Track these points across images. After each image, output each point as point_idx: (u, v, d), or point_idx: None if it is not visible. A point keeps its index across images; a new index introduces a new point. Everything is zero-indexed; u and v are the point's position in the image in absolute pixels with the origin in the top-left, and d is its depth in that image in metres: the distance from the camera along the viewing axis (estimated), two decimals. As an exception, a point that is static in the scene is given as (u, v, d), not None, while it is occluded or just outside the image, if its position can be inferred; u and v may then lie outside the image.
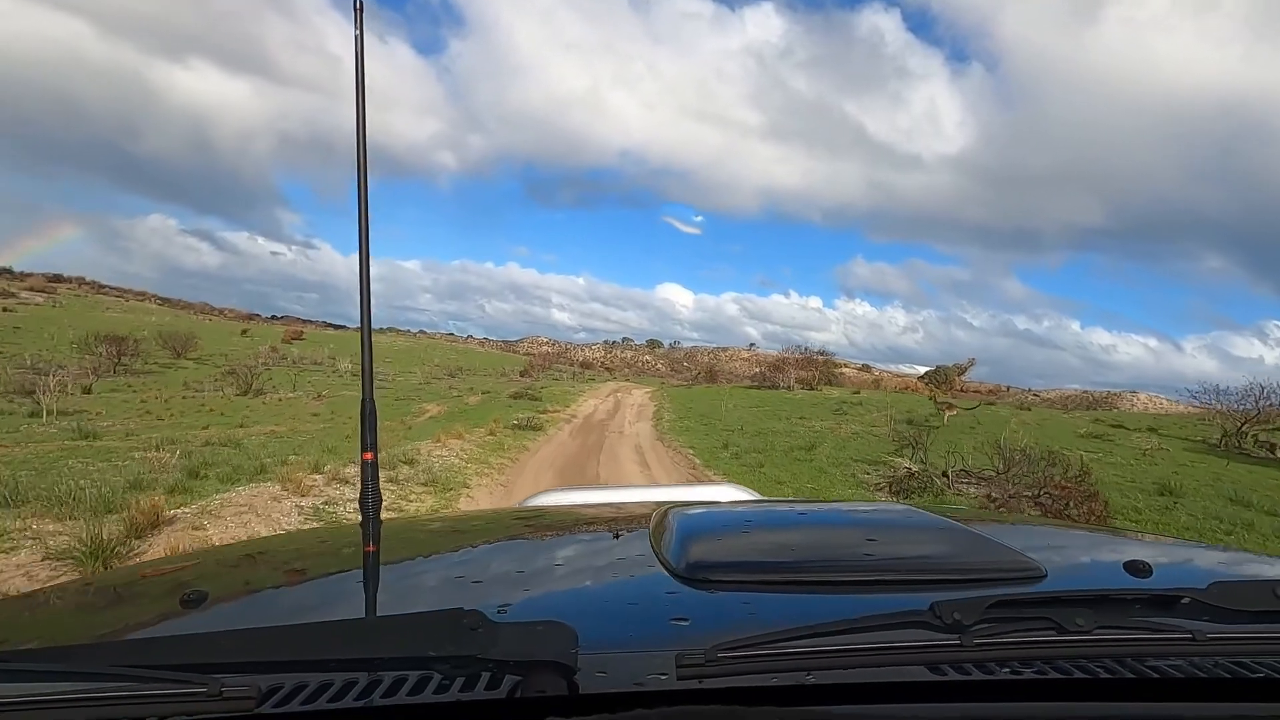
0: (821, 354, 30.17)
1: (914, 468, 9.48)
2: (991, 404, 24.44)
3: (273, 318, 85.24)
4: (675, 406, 22.39)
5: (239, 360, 41.83)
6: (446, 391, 26.82)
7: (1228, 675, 0.64)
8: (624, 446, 14.03)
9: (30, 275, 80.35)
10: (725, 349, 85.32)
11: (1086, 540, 1.46)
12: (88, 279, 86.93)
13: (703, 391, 29.21)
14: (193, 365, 37.44)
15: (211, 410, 18.96)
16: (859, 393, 27.04)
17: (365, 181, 1.13)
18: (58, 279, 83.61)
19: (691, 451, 13.09)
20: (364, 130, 1.12)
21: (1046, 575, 0.88)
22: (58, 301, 68.81)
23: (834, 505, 1.64)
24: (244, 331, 63.27)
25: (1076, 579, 1.04)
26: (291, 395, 26.19)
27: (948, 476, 9.23)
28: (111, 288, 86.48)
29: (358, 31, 1.08)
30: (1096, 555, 1.25)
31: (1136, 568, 0.89)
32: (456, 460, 10.58)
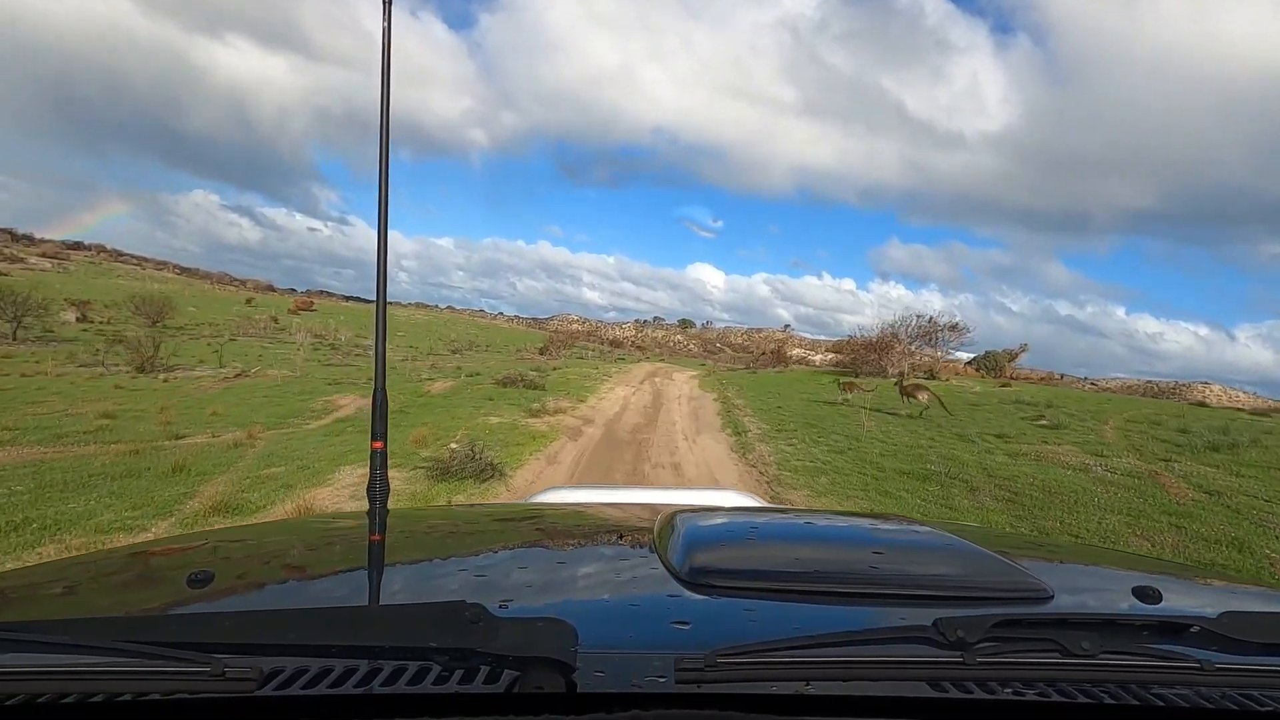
0: (953, 328, 19.01)
1: None
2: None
3: (306, 292, 79.31)
4: (753, 405, 13.62)
5: (228, 330, 35.54)
6: (415, 373, 18.39)
7: (1235, 707, 0.60)
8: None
9: (45, 241, 74.91)
10: (760, 330, 77.93)
11: (1096, 564, 1.34)
12: (107, 247, 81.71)
13: (774, 379, 20.37)
14: (138, 332, 30.01)
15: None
16: (1008, 384, 17.87)
17: (386, 165, 1.06)
18: (77, 246, 78.38)
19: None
20: (387, 118, 1.06)
21: (1054, 597, 0.82)
22: (65, 268, 63.50)
23: (841, 518, 1.46)
24: (249, 301, 57.36)
25: (1084, 602, 0.93)
26: (200, 374, 18.22)
27: None
28: (131, 256, 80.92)
29: (386, 24, 1.05)
30: (1105, 579, 1.13)
31: (1146, 593, 0.85)
32: None
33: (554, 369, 20.52)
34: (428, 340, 39.91)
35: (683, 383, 19.66)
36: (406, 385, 14.64)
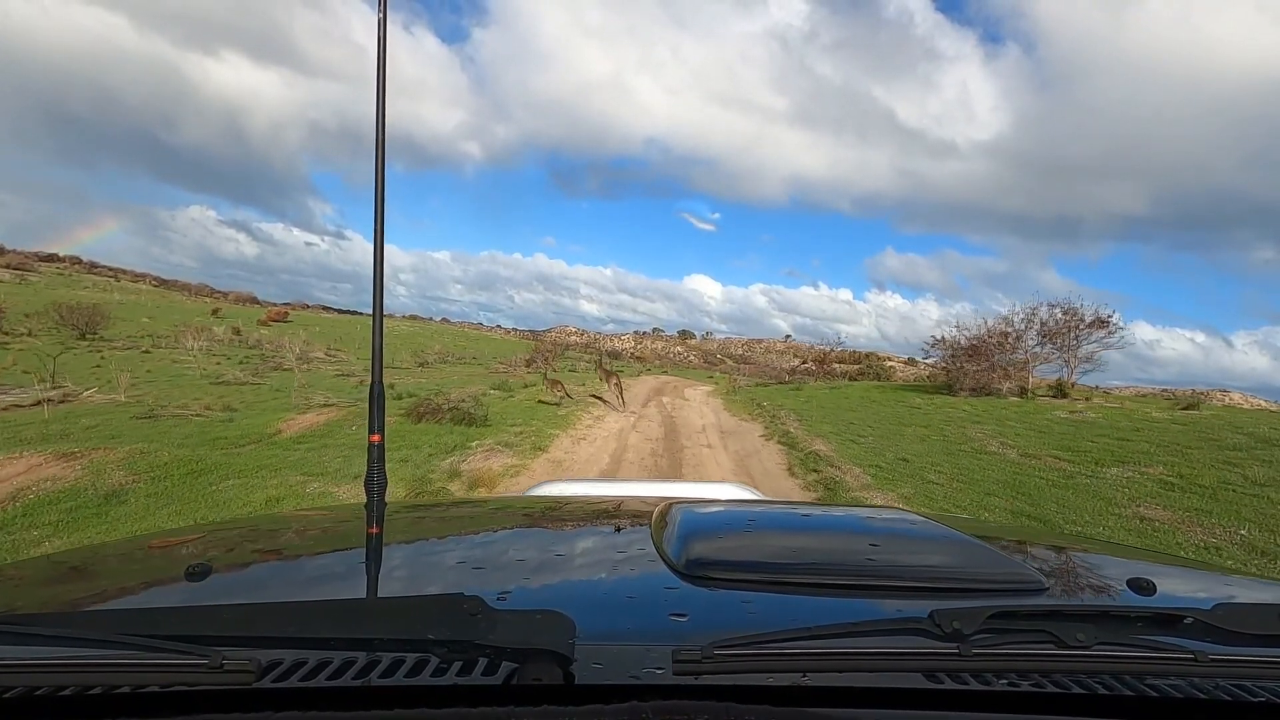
0: (1101, 323, 12.79)
1: None
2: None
3: (303, 306, 73.91)
4: (850, 455, 7.61)
5: (150, 340, 30.03)
6: (305, 395, 12.32)
7: (1228, 698, 0.60)
8: None
9: (13, 252, 69.21)
10: (760, 340, 72.55)
11: (1090, 555, 1.27)
12: (82, 259, 76.10)
13: (833, 399, 14.35)
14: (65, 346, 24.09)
15: None
16: (1193, 407, 11.87)
17: (382, 168, 1.05)
18: (50, 258, 72.81)
19: None
20: (383, 120, 1.04)
21: (1048, 588, 0.81)
22: (26, 279, 57.80)
23: (838, 510, 1.39)
24: (215, 312, 51.74)
25: (1079, 594, 0.93)
26: (5, 398, 12.24)
27: None
28: (105, 267, 75.08)
29: (381, 15, 1.03)
30: (1100, 571, 1.08)
31: (1140, 585, 0.82)
32: None
33: (524, 386, 14.51)
34: (394, 352, 33.92)
35: (701, 403, 13.68)
36: (260, 418, 8.62)
